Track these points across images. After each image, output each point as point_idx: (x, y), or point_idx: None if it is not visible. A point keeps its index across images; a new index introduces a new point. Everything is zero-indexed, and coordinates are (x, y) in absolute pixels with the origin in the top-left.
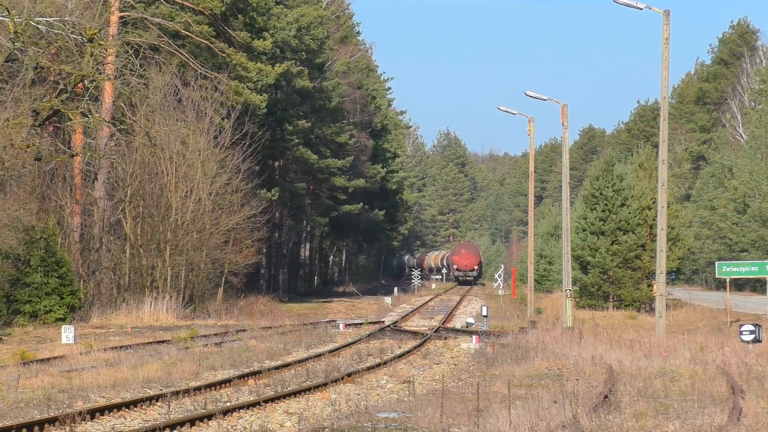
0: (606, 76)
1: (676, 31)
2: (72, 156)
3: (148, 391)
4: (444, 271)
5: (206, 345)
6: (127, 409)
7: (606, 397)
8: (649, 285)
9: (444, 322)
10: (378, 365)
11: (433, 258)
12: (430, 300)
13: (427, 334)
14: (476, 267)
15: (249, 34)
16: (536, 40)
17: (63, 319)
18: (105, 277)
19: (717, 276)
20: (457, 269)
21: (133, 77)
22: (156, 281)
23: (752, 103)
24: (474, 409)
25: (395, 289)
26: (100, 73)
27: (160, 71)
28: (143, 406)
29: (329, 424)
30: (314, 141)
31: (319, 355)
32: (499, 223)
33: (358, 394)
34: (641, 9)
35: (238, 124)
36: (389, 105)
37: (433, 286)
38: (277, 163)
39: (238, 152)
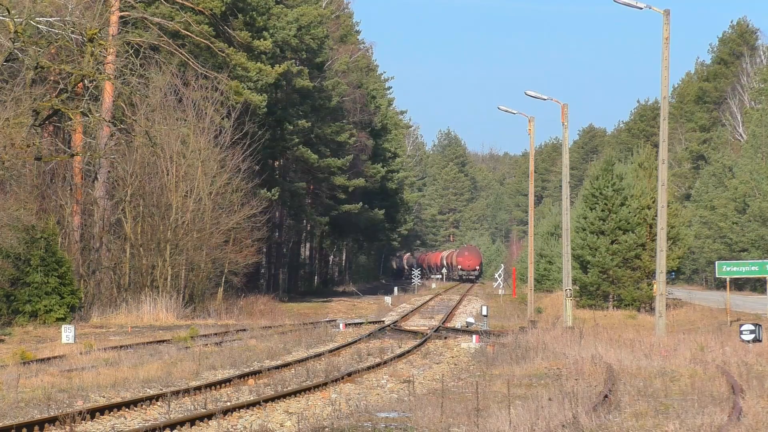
0: (606, 76)
1: (676, 30)
2: (72, 156)
3: (148, 390)
4: (444, 270)
5: (206, 344)
6: (127, 409)
7: (606, 396)
8: (649, 284)
9: (444, 321)
10: (378, 365)
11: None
12: (430, 299)
13: (427, 334)
14: (478, 267)
15: (249, 34)
16: (536, 40)
17: (63, 319)
18: (105, 277)
19: (717, 275)
20: (461, 269)
21: (133, 77)
22: (156, 281)
23: (752, 103)
24: (474, 409)
25: (395, 288)
26: (100, 73)
27: (160, 71)
28: (143, 406)
29: (329, 423)
30: (314, 140)
31: (319, 355)
32: (499, 223)
33: (358, 394)
34: (641, 9)
35: (238, 124)
36: (389, 105)
37: (433, 285)
38: (277, 163)
39: (238, 152)
